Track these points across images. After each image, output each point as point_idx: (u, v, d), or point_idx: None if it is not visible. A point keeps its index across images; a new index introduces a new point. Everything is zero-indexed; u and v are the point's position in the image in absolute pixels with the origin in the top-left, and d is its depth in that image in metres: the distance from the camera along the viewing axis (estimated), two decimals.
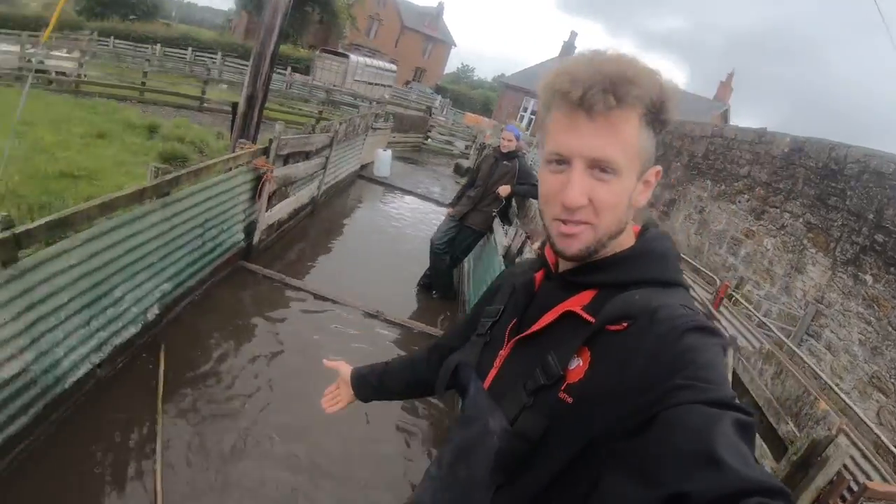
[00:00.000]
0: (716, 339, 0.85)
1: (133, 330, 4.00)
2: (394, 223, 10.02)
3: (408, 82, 47.73)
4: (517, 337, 1.07)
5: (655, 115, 0.92)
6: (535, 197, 5.47)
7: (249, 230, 6.09)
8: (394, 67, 35.93)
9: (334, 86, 26.61)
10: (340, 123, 9.36)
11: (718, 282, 6.59)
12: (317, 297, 5.89)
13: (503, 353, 1.10)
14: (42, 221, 2.88)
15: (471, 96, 51.32)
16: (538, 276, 1.14)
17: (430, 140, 20.55)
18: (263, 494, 3.23)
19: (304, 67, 31.05)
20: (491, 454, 1.00)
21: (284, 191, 7.14)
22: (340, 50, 33.95)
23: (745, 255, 9.76)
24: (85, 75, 17.05)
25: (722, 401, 0.73)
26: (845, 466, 3.01)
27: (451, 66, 72.42)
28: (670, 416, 0.73)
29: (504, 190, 6.15)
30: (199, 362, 4.24)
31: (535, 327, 1.03)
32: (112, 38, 27.56)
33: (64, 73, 16.51)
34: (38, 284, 2.91)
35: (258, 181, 5.88)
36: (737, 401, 0.75)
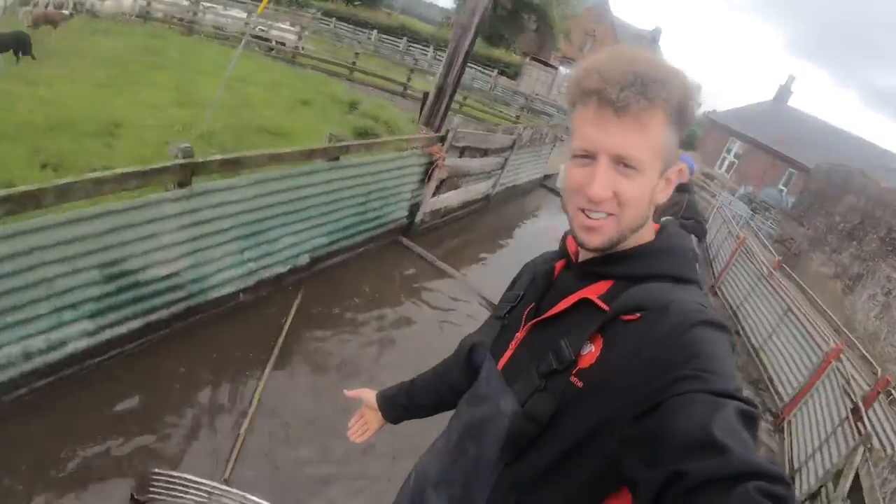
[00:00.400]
0: (724, 334, 0.89)
1: (281, 269, 4.50)
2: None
3: None
4: (533, 321, 1.13)
5: (680, 115, 0.96)
6: (699, 235, 5.32)
7: (413, 210, 6.49)
8: None
9: (537, 95, 26.94)
10: (525, 128, 9.55)
11: (880, 373, 5.82)
12: (463, 286, 6.13)
13: (519, 335, 1.16)
14: (216, 157, 3.44)
15: None
16: (558, 265, 1.20)
17: None
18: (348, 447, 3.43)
19: (513, 73, 31.75)
20: (501, 434, 1.07)
21: (456, 181, 7.45)
22: (550, 61, 34.34)
23: None
24: (302, 48, 18.89)
25: (726, 392, 0.77)
26: None
27: None
28: (674, 404, 0.78)
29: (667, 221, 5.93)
30: (332, 314, 4.64)
31: (551, 312, 1.09)
32: (334, 19, 30.20)
33: (283, 44, 18.52)
34: (205, 208, 3.45)
35: (430, 166, 6.23)
36: (741, 393, 0.78)
